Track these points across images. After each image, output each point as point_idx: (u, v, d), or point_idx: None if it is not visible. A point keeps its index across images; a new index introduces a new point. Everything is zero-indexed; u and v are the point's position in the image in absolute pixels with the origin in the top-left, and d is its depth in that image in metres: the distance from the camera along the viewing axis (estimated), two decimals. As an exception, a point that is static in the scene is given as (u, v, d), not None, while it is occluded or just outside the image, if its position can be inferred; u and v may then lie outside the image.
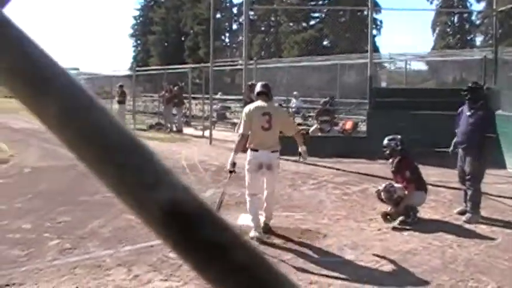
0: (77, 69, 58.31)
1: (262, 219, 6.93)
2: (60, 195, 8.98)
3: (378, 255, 6.06)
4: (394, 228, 7.25)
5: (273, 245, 6.32)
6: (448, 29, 48.06)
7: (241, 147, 6.84)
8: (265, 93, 7.01)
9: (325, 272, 5.51)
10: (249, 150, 6.75)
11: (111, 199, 8.63)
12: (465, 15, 46.55)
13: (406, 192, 7.54)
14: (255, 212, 6.71)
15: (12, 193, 9.15)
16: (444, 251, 6.27)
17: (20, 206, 8.22)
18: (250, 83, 19.09)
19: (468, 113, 8.02)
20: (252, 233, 6.58)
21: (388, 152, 7.95)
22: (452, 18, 47.82)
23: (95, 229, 6.90)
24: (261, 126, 6.65)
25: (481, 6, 44.34)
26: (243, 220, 7.16)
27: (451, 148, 8.28)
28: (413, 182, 7.63)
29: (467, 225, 7.48)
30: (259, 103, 6.89)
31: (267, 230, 6.83)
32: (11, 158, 13.45)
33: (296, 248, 6.27)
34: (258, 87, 7.10)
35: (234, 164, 6.77)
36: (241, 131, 6.97)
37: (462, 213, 7.95)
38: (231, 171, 6.83)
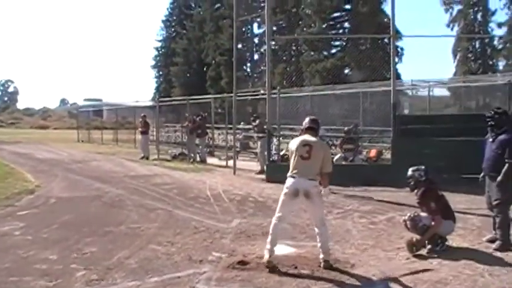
0: (100, 100, 59.06)
1: (290, 249, 6.82)
2: (86, 226, 8.99)
3: (407, 285, 5.95)
4: (421, 257, 7.14)
5: (300, 276, 6.24)
6: (470, 55, 47.77)
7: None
8: (313, 129, 7.05)
9: (354, 302, 5.43)
10: (288, 178, 6.74)
11: (136, 230, 8.67)
12: (486, 40, 46.26)
13: (433, 222, 7.42)
14: (274, 236, 6.64)
15: (38, 224, 9.19)
16: (475, 280, 6.13)
17: (46, 237, 8.25)
18: (254, 116, 19.38)
19: (491, 139, 7.93)
20: (265, 258, 6.58)
21: (412, 183, 7.85)
22: (474, 44, 47.56)
23: (122, 260, 6.88)
24: (301, 155, 6.68)
25: (502, 31, 44.10)
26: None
27: (481, 175, 8.12)
28: (440, 212, 7.51)
29: (497, 253, 7.32)
30: (304, 137, 6.92)
31: (329, 266, 6.56)
32: (36, 188, 13.57)
33: (324, 278, 6.17)
34: (307, 122, 7.10)
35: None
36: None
37: (492, 240, 7.80)
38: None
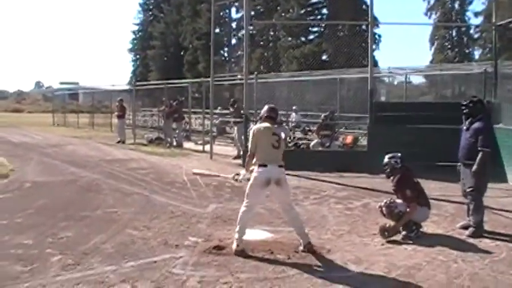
0: (77, 83, 58.52)
1: (266, 234, 6.85)
2: (62, 211, 8.93)
3: (382, 271, 6.01)
4: (396, 242, 7.21)
5: (276, 261, 6.27)
6: (447, 43, 48.20)
7: (251, 164, 6.87)
8: (272, 118, 7.00)
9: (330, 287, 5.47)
10: (256, 166, 6.70)
11: (112, 214, 8.63)
12: (463, 29, 46.70)
13: (408, 209, 7.49)
14: (243, 225, 6.63)
15: (12, 208, 9.10)
16: (449, 265, 6.23)
17: (20, 221, 8.17)
18: (232, 100, 19.38)
19: (465, 127, 8.01)
20: (234, 246, 6.59)
21: (388, 169, 7.90)
22: (451, 32, 47.97)
23: (98, 245, 6.85)
24: (272, 144, 6.66)
25: (479, 20, 44.52)
26: (249, 235, 7.02)
27: (459, 164, 8.18)
28: (415, 199, 7.57)
29: (470, 240, 7.43)
30: (267, 124, 6.87)
31: (312, 249, 6.62)
32: (11, 172, 13.42)
33: (300, 263, 6.22)
34: (266, 111, 7.06)
35: (248, 179, 6.87)
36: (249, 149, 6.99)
37: (465, 227, 7.91)
38: (240, 181, 7.37)
